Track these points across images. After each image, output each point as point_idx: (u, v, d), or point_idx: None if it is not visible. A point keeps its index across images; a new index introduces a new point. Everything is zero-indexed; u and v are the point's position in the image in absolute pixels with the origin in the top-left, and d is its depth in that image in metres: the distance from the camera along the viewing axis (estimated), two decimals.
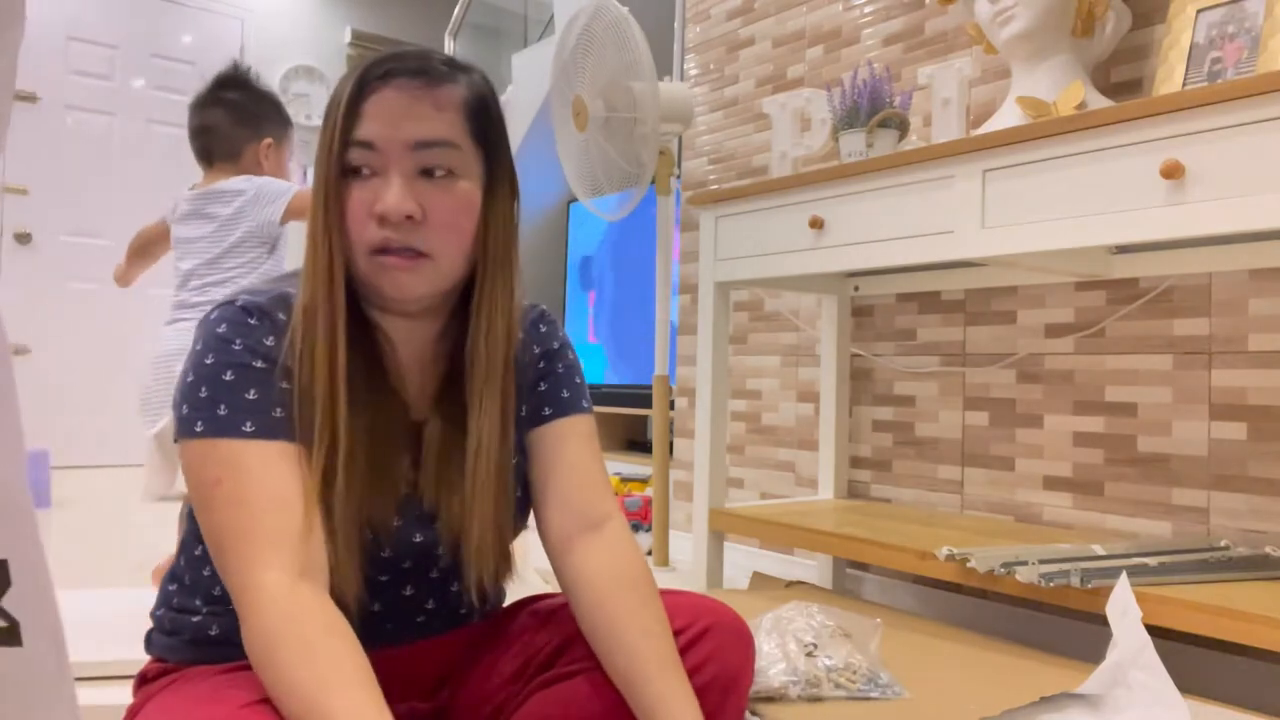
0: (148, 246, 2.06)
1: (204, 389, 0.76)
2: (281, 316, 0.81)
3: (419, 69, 0.81)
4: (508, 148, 0.87)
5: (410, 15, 5.16)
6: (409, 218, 0.79)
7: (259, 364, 0.78)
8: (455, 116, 0.82)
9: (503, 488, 0.87)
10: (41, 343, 4.02)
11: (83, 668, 1.42)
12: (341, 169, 0.80)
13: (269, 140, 1.92)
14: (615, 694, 0.83)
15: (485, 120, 0.84)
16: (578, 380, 0.97)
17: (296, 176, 2.02)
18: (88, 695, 1.35)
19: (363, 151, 0.79)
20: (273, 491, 0.74)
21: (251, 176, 1.87)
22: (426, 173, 0.80)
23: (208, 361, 0.77)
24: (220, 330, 0.78)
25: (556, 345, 0.97)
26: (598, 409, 3.59)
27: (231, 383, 0.76)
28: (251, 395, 0.77)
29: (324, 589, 0.74)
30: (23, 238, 4.04)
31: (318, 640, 0.69)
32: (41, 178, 4.10)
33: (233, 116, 1.88)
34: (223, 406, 0.76)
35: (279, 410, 0.77)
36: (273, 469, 0.75)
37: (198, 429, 0.76)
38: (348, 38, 4.96)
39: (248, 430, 0.75)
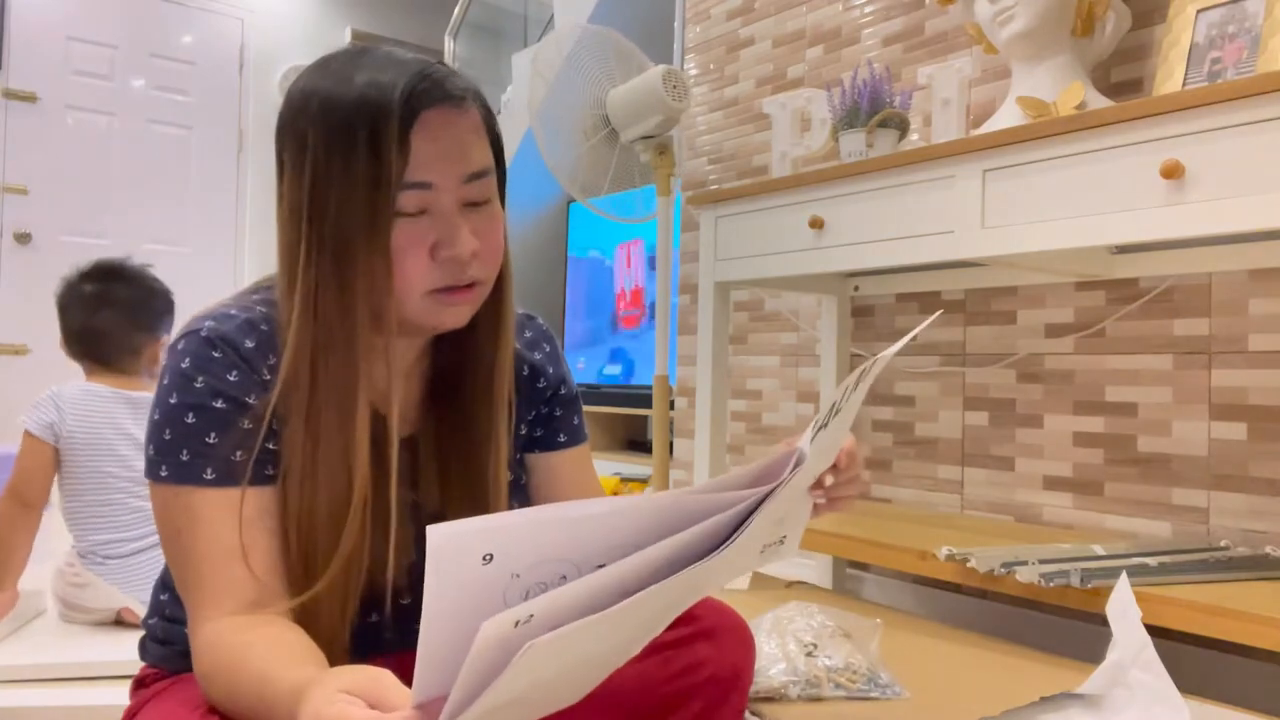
0: (36, 497, 1.64)
1: (168, 431, 0.76)
2: (249, 344, 0.78)
3: (449, 93, 0.77)
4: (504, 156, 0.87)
5: (410, 15, 5.16)
6: (473, 254, 0.78)
7: (219, 404, 0.76)
8: (485, 137, 0.80)
9: (500, 497, 0.88)
10: (41, 343, 4.02)
11: (81, 668, 1.42)
12: (389, 209, 0.75)
13: (164, 338, 1.77)
14: (618, 686, 0.82)
15: (496, 131, 0.84)
16: (580, 406, 1.00)
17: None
18: (87, 695, 1.35)
19: (419, 194, 0.75)
20: (224, 545, 0.74)
21: None
22: (472, 203, 0.79)
23: (171, 401, 0.77)
24: (184, 366, 0.77)
25: (564, 372, 0.99)
26: (598, 409, 3.59)
27: (193, 425, 0.76)
28: (211, 439, 0.76)
29: (274, 617, 0.74)
30: (22, 238, 4.04)
31: (250, 648, 0.69)
32: (41, 178, 4.09)
33: (128, 317, 1.72)
34: (185, 452, 0.75)
35: (239, 453, 0.76)
36: (227, 520, 0.75)
37: (162, 474, 0.76)
38: (348, 38, 4.96)
39: (208, 478, 0.75)
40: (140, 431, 1.67)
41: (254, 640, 0.69)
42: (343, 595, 0.77)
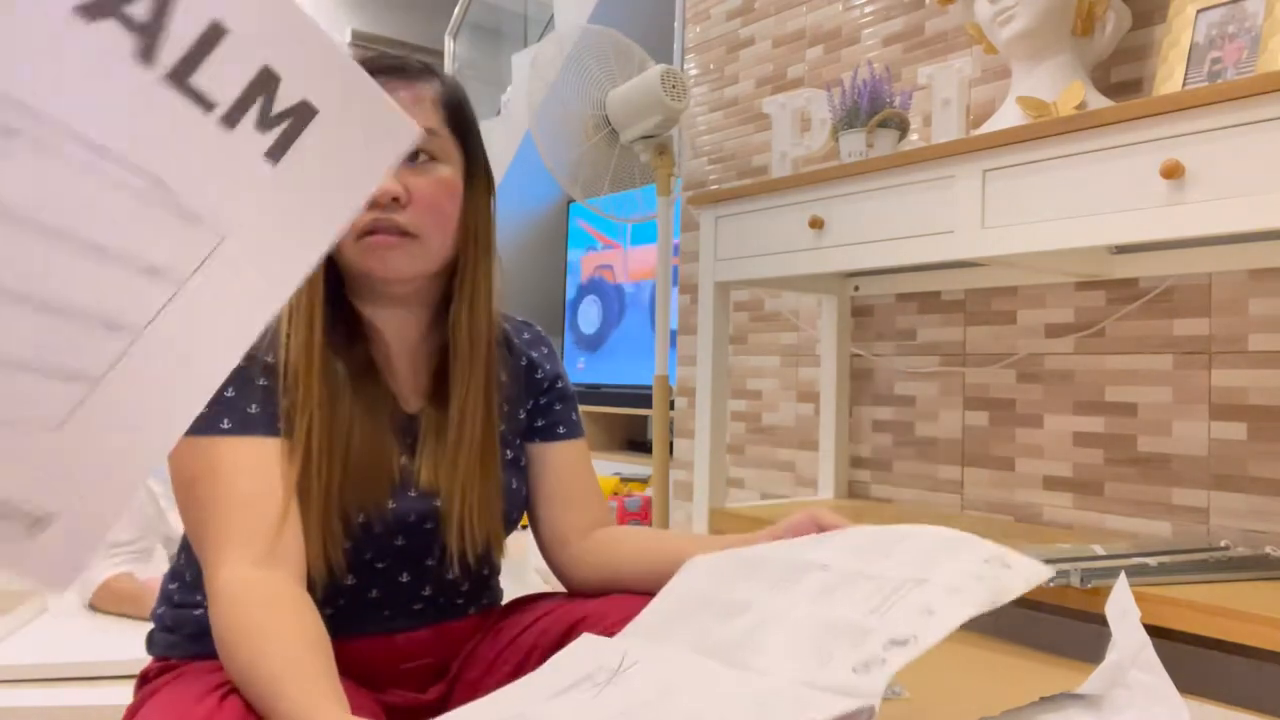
0: None
1: None
2: None
3: (395, 66, 0.86)
4: (483, 146, 0.92)
5: (410, 15, 5.16)
6: (394, 199, 0.82)
7: (239, 361, 0.79)
8: (432, 108, 0.86)
9: (489, 464, 0.91)
10: None
11: (81, 668, 1.43)
12: None
13: None
14: None
15: (461, 115, 0.89)
16: (576, 404, 1.06)
17: None
18: (87, 695, 1.35)
19: None
20: (242, 489, 0.77)
21: None
22: (408, 158, 0.84)
23: None
24: None
25: (560, 369, 1.04)
26: (598, 409, 3.60)
27: None
28: (229, 393, 0.80)
29: (293, 579, 0.76)
30: None
31: (271, 631, 0.70)
32: None
33: None
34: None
35: (254, 406, 0.81)
36: (244, 466, 0.78)
37: None
38: (348, 38, 4.96)
39: (224, 427, 0.79)
40: None
41: (273, 627, 0.70)
42: (319, 538, 0.80)
